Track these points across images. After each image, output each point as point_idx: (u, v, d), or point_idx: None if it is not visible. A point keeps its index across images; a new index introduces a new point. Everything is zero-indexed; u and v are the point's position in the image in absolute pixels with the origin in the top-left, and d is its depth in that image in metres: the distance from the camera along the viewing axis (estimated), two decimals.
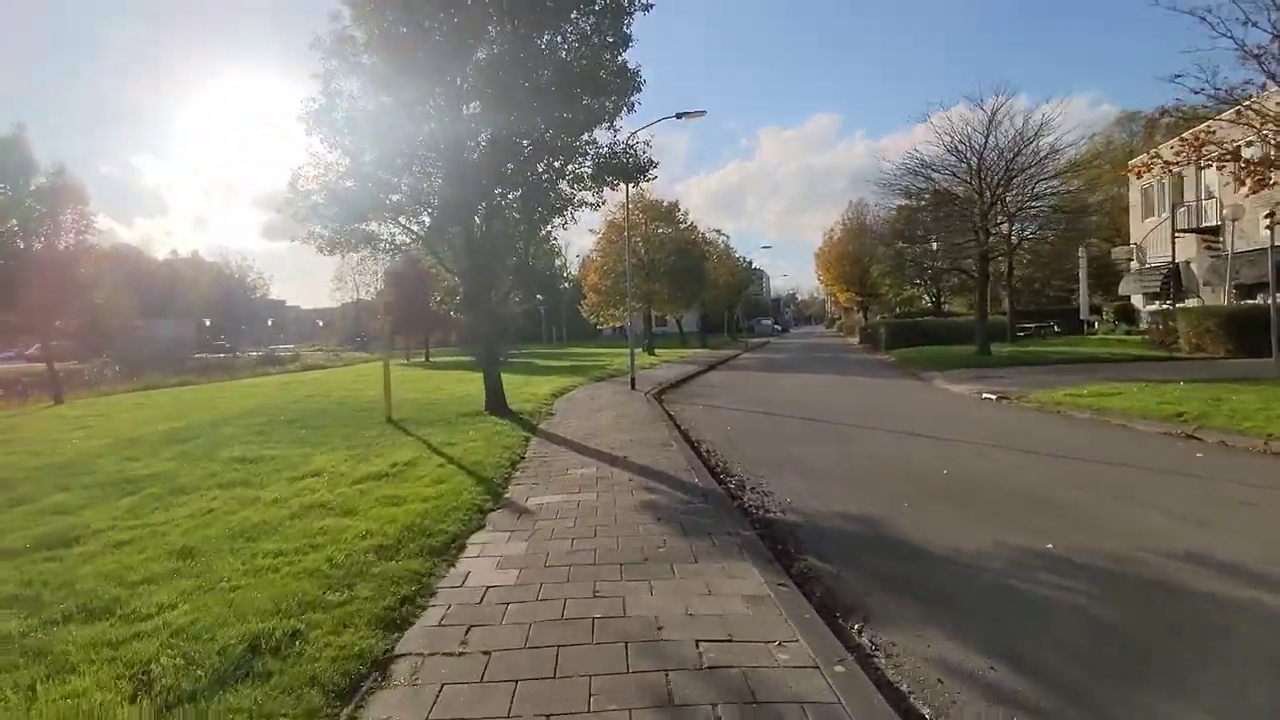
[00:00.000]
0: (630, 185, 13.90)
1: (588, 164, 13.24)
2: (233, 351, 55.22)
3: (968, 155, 22.98)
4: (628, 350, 20.86)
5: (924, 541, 5.32)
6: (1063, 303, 51.61)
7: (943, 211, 24.86)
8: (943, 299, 48.67)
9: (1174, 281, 27.33)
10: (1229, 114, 12.99)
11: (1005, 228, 23.32)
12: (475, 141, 12.18)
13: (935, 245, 47.30)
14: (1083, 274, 35.30)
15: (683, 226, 39.60)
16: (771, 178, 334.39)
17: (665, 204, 38.56)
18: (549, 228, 14.10)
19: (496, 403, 13.03)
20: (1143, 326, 31.57)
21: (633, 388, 17.79)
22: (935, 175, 23.88)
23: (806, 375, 21.98)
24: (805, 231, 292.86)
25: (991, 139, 22.66)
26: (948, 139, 22.87)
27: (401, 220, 12.76)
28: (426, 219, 12.75)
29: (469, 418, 12.54)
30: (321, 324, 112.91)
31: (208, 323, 75.19)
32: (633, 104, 12.83)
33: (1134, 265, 33.25)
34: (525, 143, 12.00)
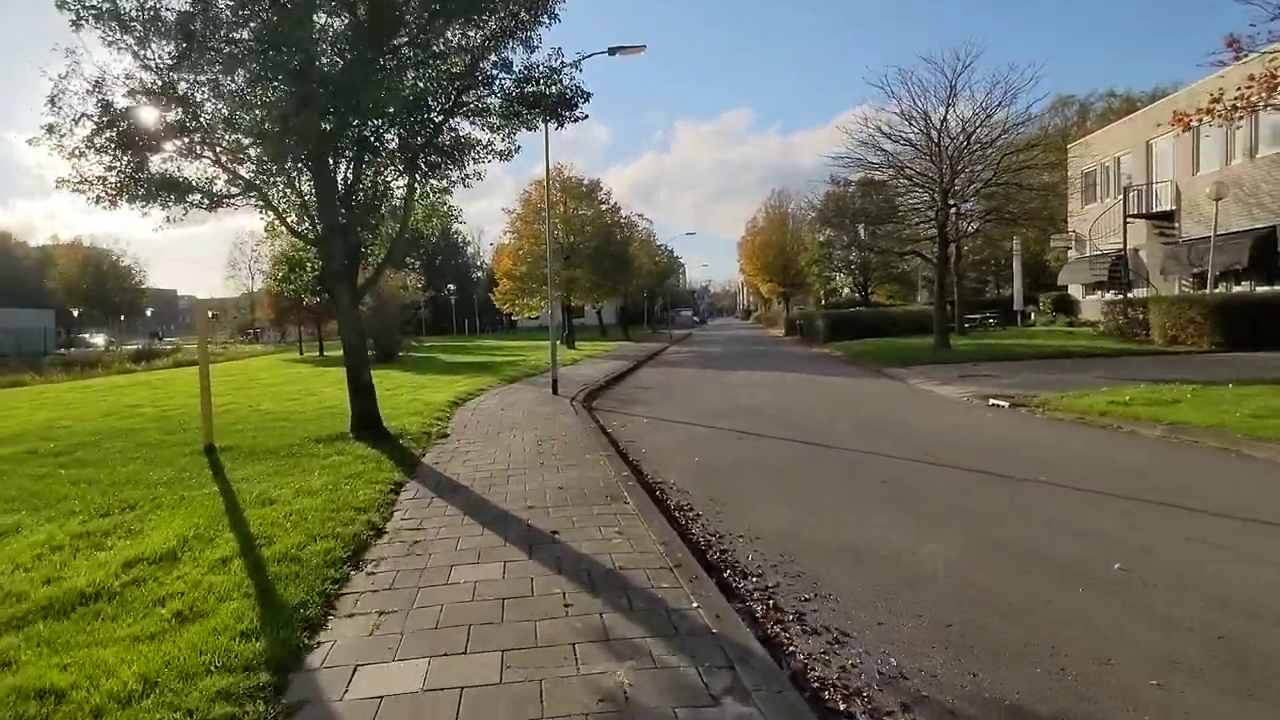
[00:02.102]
0: (553, 124, 10.38)
1: (494, 93, 9.68)
2: (96, 345, 49.79)
3: (926, 126, 20.62)
4: (546, 344, 17.40)
5: None
6: (990, 294, 51.50)
7: (897, 189, 22.43)
8: (870, 289, 47.30)
9: (1124, 270, 26.08)
10: None
11: (963, 207, 21.12)
12: (329, 41, 8.39)
13: (865, 230, 46.10)
14: (1017, 263, 34.13)
15: (605, 208, 36.12)
16: (686, 170, 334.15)
17: (585, 182, 34.97)
18: (443, 183, 10.44)
19: (367, 421, 9.29)
20: (1084, 318, 30.62)
21: (555, 392, 14.29)
22: (888, 147, 21.38)
23: (756, 373, 19.05)
24: (718, 224, 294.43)
25: (952, 111, 20.36)
26: (906, 103, 20.40)
27: (223, 159, 8.77)
28: (259, 157, 8.81)
29: (326, 444, 8.80)
30: (211, 314, 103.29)
31: (75, 313, 67.19)
32: (553, 10, 9.36)
33: (1071, 254, 32.27)
34: (403, 45, 8.32)
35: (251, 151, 8.51)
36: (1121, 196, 26.36)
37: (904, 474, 7.08)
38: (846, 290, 48.17)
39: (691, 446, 8.96)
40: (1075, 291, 32.14)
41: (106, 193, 8.53)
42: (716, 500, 6.33)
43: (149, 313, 69.79)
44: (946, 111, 20.37)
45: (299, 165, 8.86)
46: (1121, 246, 26.38)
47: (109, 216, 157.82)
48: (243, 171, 8.96)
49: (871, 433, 9.49)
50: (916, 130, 20.91)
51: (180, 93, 8.17)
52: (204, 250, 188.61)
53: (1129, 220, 25.78)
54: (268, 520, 5.51)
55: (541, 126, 10.86)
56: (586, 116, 10.54)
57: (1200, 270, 21.68)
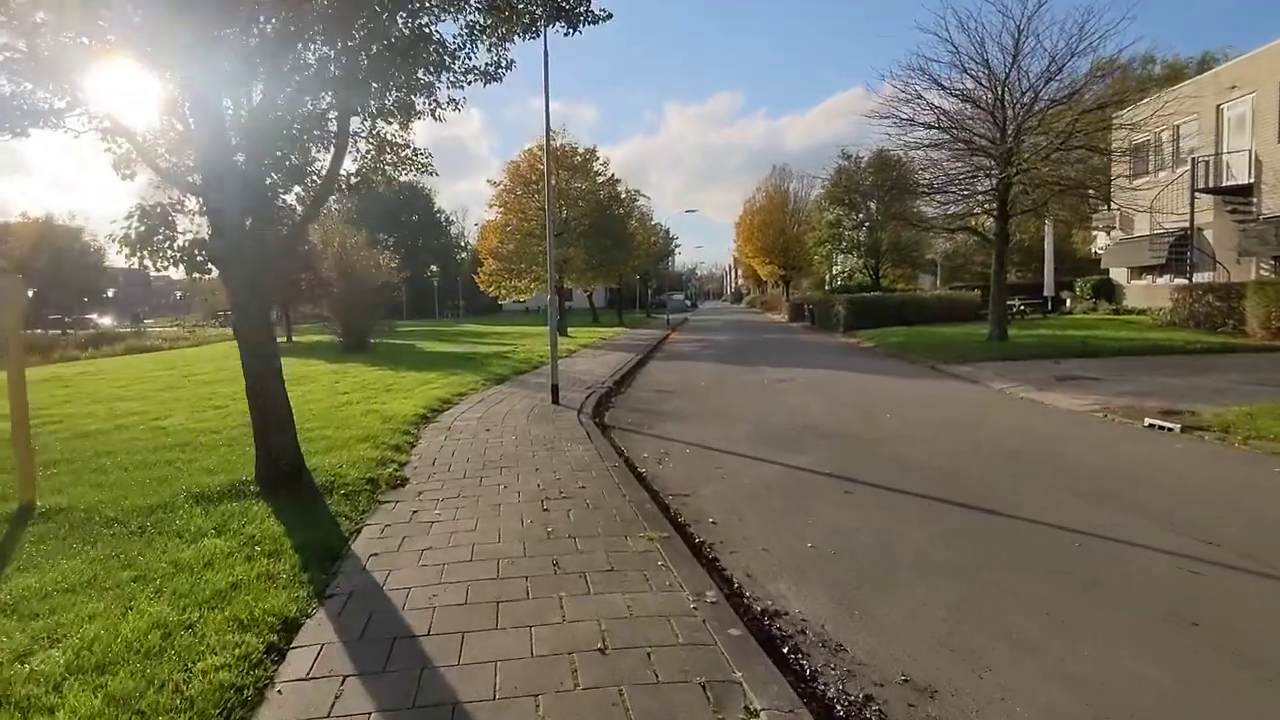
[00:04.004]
0: (561, 28, 7.15)
1: None
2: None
3: (990, 79, 17.46)
4: (536, 329, 14.43)
5: None
6: (1015, 279, 48.79)
7: (923, 162, 19.30)
8: (881, 272, 44.22)
9: (1188, 251, 23.21)
10: None
11: (1027, 175, 17.97)
12: None
13: (878, 208, 42.94)
14: (1049, 245, 31.18)
15: (602, 180, 32.65)
16: (673, 153, 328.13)
17: (580, 150, 31.45)
18: (405, 115, 7.20)
19: (279, 465, 6.08)
20: (1130, 304, 27.79)
21: (555, 400, 11.14)
22: (939, 103, 18.19)
23: (789, 370, 15.96)
24: (705, 207, 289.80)
25: (1019, 61, 17.17)
26: (964, 45, 17.21)
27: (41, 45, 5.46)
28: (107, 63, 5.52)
29: (212, 505, 5.66)
30: (180, 295, 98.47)
31: (31, 293, 63.08)
32: None
33: (1116, 234, 29.38)
34: None
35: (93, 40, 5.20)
36: (1186, 168, 23.45)
37: (1200, 592, 4.03)
38: (858, 274, 44.94)
39: (781, 509, 5.85)
40: (1119, 276, 29.29)
41: None
42: (931, 683, 3.23)
43: (109, 293, 65.26)
44: (1013, 61, 17.19)
45: (170, 75, 5.59)
46: (1185, 225, 23.49)
47: (77, 193, 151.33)
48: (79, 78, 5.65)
49: (1040, 480, 6.43)
50: (975, 84, 17.75)
51: None
52: None
53: (1196, 195, 22.88)
54: None
55: (541, 36, 7.66)
56: (609, 16, 7.34)
57: None
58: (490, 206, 31.52)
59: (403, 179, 8.83)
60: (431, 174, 8.34)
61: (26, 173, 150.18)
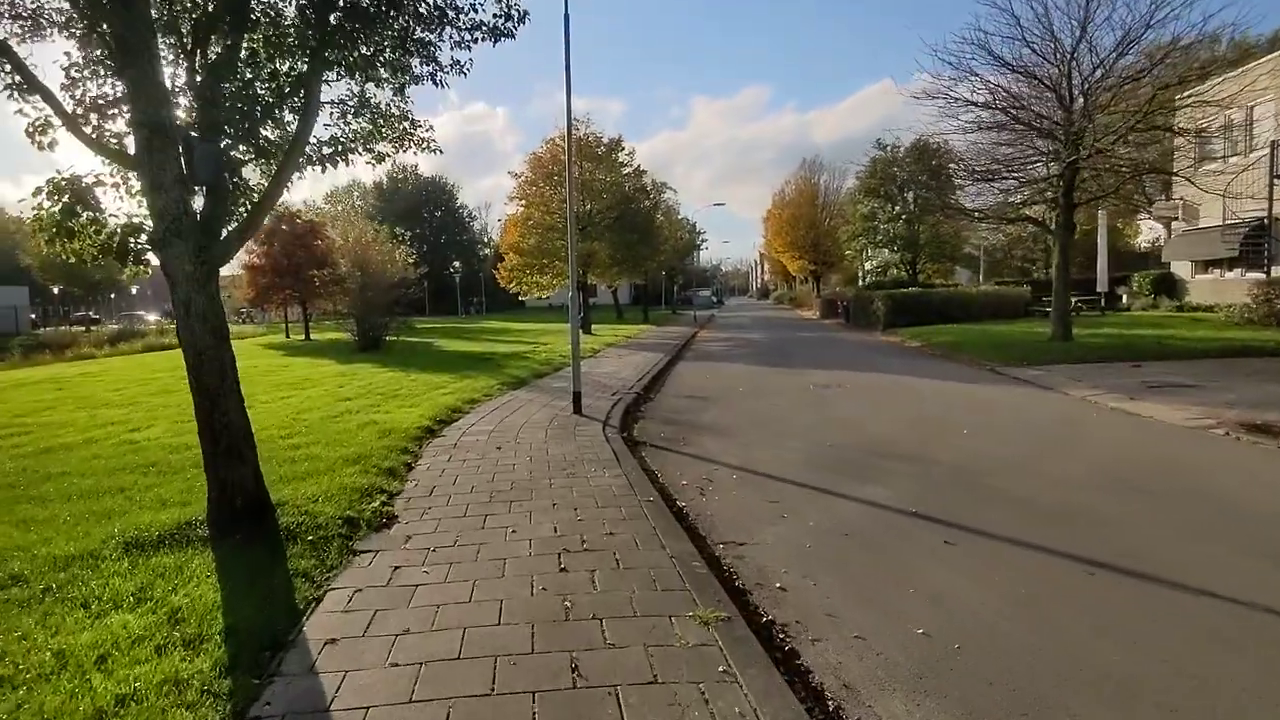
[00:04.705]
0: None
1: None
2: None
3: (1056, 52, 15.83)
4: (558, 326, 13.26)
5: None
6: (1037, 275, 46.91)
7: (997, 137, 17.62)
8: (919, 268, 42.37)
9: (1267, 242, 21.32)
10: None
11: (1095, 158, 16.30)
12: None
13: (914, 200, 41.04)
14: (1102, 238, 29.25)
15: (627, 171, 31.31)
16: (700, 148, 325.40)
17: (604, 140, 30.14)
18: (399, 77, 6.00)
19: (234, 503, 4.89)
20: (1194, 300, 25.86)
21: (578, 409, 9.90)
22: (996, 80, 16.58)
23: (836, 373, 14.54)
24: (731, 203, 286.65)
25: (1089, 32, 15.51)
26: (1027, 16, 15.60)
27: None
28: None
29: (147, 554, 4.51)
30: None
31: (56, 290, 63.46)
32: None
33: (1177, 225, 27.43)
34: None
35: None
36: (1262, 152, 21.52)
37: None
38: (893, 269, 43.13)
39: (867, 569, 4.52)
40: (1180, 270, 27.33)
41: None
42: None
43: (133, 290, 65.42)
44: (1081, 33, 15.55)
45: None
46: (1262, 214, 21.58)
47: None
48: None
49: (1194, 528, 5.02)
50: (1038, 58, 16.13)
51: None
52: None
53: (1277, 180, 20.95)
54: None
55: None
56: None
57: None
58: (511, 199, 30.37)
59: (405, 157, 7.68)
60: (434, 151, 7.14)
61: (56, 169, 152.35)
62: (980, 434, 8.28)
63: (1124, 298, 29.19)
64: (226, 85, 5.07)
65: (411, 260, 25.70)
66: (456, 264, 61.05)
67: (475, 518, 5.37)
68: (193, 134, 4.76)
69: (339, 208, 60.16)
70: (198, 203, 4.90)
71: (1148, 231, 37.92)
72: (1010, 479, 6.34)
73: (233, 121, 4.93)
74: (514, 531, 5.02)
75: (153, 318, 63.40)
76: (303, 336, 30.41)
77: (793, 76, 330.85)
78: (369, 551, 4.72)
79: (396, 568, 4.43)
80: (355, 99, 6.29)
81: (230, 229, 4.98)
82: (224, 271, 5.54)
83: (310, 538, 4.79)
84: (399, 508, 5.68)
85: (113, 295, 67.71)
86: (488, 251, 70.46)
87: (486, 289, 63.26)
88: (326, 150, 5.66)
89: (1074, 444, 7.81)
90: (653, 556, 4.48)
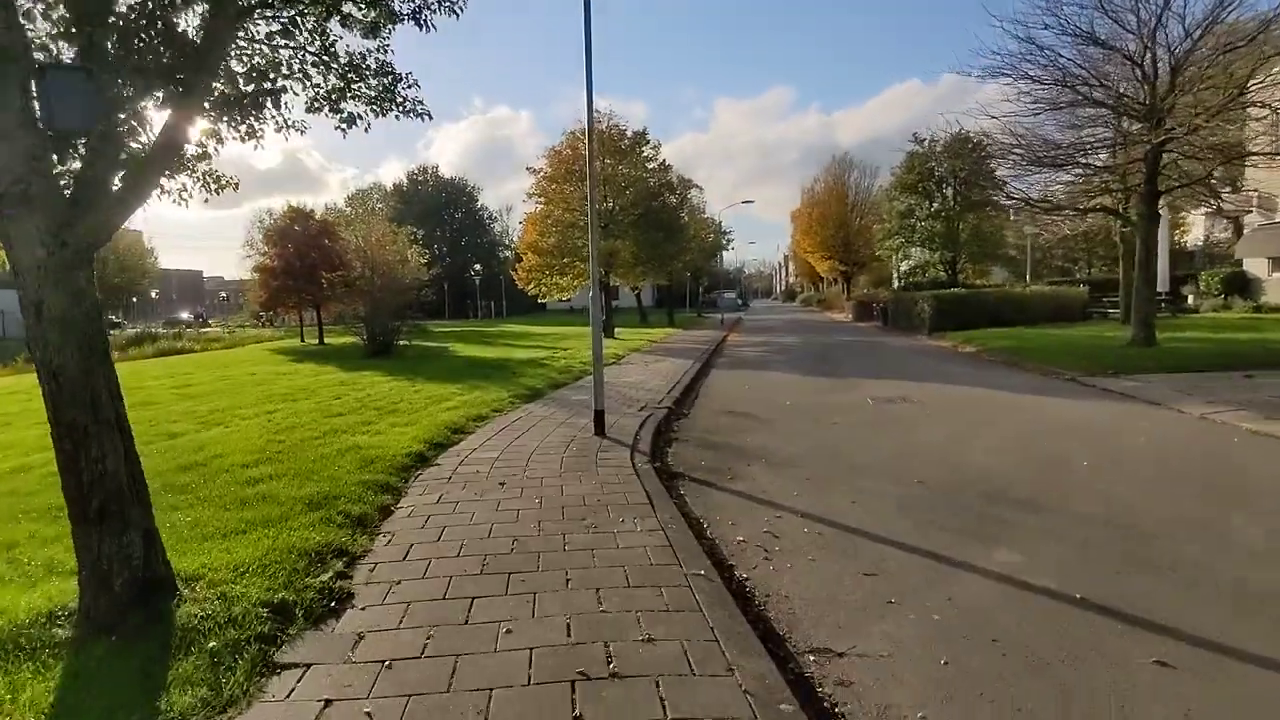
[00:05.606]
0: None
1: None
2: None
3: (1137, 21, 14.01)
4: (579, 330, 11.82)
5: None
6: (1079, 274, 44.74)
7: (1068, 118, 15.78)
8: (959, 267, 40.23)
9: None
10: None
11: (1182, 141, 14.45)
12: None
13: (955, 196, 38.96)
14: (1164, 234, 27.13)
15: (651, 166, 29.74)
16: (724, 149, 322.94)
17: (628, 134, 28.60)
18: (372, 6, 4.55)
19: (112, 586, 3.41)
20: (1270, 300, 23.72)
21: (600, 431, 8.33)
22: (1065, 54, 14.77)
23: (895, 383, 12.84)
24: (755, 204, 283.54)
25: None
26: None
27: None
28: None
29: None
30: (224, 296, 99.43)
31: None
32: None
33: (1253, 219, 25.28)
34: None
35: None
36: None
37: None
38: (932, 269, 41.08)
39: (1048, 703, 2.92)
40: (1256, 268, 25.17)
41: None
42: None
43: (154, 294, 65.16)
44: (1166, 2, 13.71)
45: None
46: None
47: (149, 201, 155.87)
48: None
49: None
50: (1117, 27, 14.32)
51: None
52: (239, 232, 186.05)
53: None
54: None
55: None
56: None
57: None
58: (529, 196, 28.93)
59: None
60: (422, 116, 5.69)
61: None
62: (1109, 470, 6.58)
63: (1190, 298, 27.05)
64: None
65: (424, 260, 24.43)
66: (476, 266, 59.98)
67: (458, 601, 3.83)
68: (53, 59, 3.30)
69: (358, 210, 59.41)
70: (64, 161, 3.44)
71: (1199, 228, 35.59)
72: (1192, 544, 4.66)
73: (115, 41, 3.47)
74: (509, 632, 3.47)
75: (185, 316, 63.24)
76: (317, 341, 29.27)
77: (817, 77, 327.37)
78: (295, 668, 3.20)
79: (326, 702, 2.90)
80: (319, 43, 4.84)
81: (109, 197, 3.49)
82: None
83: (213, 643, 3.28)
84: (358, 580, 4.16)
85: (134, 299, 67.52)
86: (508, 254, 69.44)
87: (506, 292, 62.10)
88: (246, 86, 4.15)
89: (1239, 486, 6.08)
90: (716, 691, 2.91)
